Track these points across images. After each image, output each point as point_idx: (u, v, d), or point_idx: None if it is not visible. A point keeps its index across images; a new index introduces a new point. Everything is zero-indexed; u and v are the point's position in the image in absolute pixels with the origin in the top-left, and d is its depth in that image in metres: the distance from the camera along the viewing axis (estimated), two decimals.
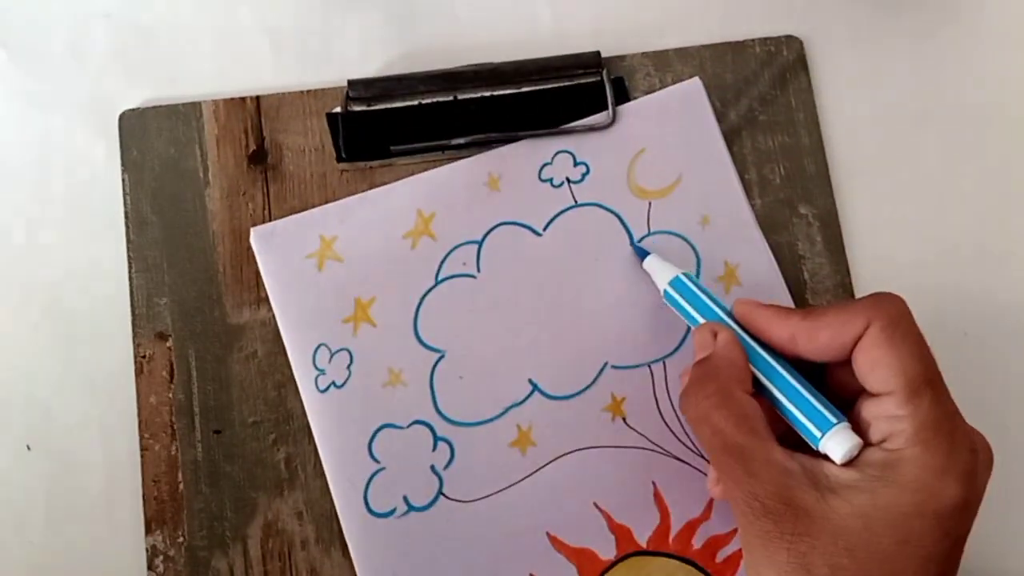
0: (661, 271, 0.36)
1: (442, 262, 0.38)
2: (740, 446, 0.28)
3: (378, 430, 0.36)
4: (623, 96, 0.40)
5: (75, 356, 0.37)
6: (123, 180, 0.38)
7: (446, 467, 0.35)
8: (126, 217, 0.38)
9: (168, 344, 0.37)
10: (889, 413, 0.28)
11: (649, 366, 0.37)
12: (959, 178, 0.40)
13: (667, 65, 0.40)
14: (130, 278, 0.37)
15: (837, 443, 0.28)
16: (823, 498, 0.27)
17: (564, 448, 0.36)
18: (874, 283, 0.39)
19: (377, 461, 0.35)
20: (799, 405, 0.30)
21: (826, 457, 0.29)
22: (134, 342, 0.37)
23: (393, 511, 0.35)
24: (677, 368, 0.37)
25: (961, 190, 0.40)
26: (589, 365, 0.37)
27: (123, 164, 0.39)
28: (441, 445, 0.36)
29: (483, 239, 0.38)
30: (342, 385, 0.36)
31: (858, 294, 0.38)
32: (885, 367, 0.28)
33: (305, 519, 0.35)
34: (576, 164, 0.39)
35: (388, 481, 0.35)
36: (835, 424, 0.28)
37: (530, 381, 0.36)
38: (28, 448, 0.37)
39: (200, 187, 0.38)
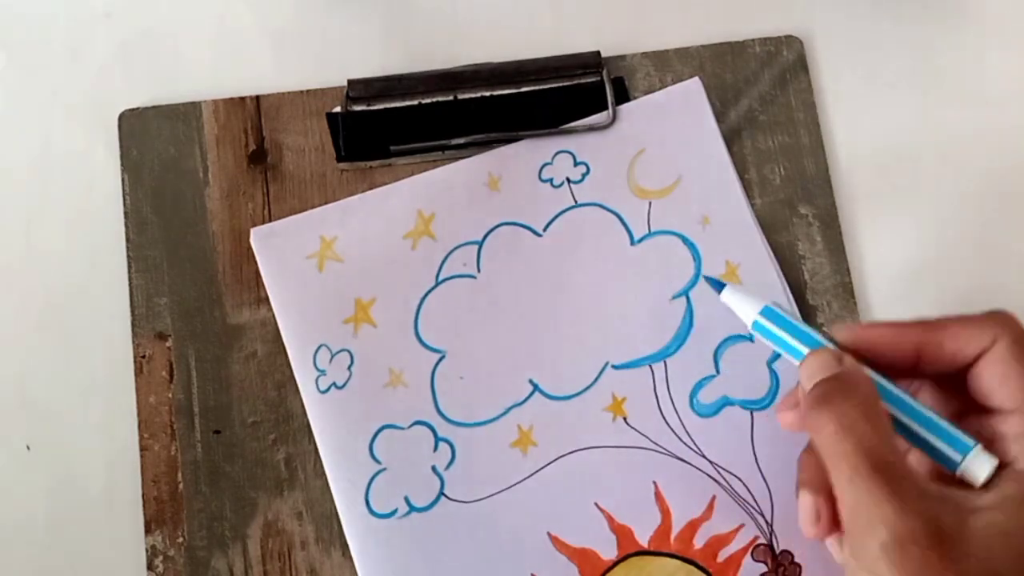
0: (744, 302, 0.32)
1: (442, 262, 0.38)
2: (890, 464, 0.26)
3: (379, 431, 0.36)
4: (623, 96, 0.40)
5: (74, 355, 0.37)
6: (123, 180, 0.38)
7: (447, 468, 0.35)
8: (126, 217, 0.38)
9: (168, 344, 0.37)
10: (1018, 430, 0.28)
11: (650, 365, 0.37)
12: (960, 178, 0.40)
13: (667, 65, 0.40)
14: (130, 278, 0.37)
15: (978, 465, 0.28)
16: (965, 522, 0.26)
17: (565, 448, 0.36)
18: (874, 283, 0.39)
19: (378, 462, 0.35)
20: (933, 430, 0.28)
21: (959, 481, 0.28)
22: (134, 342, 0.37)
23: (394, 512, 0.35)
24: (678, 367, 0.37)
25: (961, 190, 0.40)
26: (590, 365, 0.37)
27: (123, 164, 0.39)
28: (442, 446, 0.36)
29: (483, 239, 0.38)
30: (343, 386, 0.36)
31: (858, 294, 0.38)
32: (1012, 384, 0.28)
33: (305, 519, 0.35)
34: (576, 164, 0.39)
35: (389, 482, 0.35)
36: (972, 446, 0.28)
37: (531, 381, 0.36)
38: (28, 448, 0.37)
39: (200, 187, 0.38)
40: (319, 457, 0.36)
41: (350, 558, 0.35)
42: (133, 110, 0.39)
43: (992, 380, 0.28)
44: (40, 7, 0.41)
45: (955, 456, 0.28)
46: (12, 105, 0.40)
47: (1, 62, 0.40)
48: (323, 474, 0.35)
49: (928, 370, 0.30)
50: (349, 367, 0.36)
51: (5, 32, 0.41)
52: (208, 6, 0.41)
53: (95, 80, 0.40)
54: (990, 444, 0.28)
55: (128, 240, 0.38)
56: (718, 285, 0.33)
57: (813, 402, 0.28)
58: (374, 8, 0.41)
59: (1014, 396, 0.28)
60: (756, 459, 0.36)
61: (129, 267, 0.38)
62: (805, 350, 0.30)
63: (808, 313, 0.38)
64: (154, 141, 0.39)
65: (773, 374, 0.37)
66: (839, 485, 0.27)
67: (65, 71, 0.40)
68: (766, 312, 0.31)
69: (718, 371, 0.37)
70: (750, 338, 0.37)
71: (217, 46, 0.41)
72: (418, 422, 0.36)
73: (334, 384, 0.36)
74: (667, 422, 0.36)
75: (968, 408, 0.29)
